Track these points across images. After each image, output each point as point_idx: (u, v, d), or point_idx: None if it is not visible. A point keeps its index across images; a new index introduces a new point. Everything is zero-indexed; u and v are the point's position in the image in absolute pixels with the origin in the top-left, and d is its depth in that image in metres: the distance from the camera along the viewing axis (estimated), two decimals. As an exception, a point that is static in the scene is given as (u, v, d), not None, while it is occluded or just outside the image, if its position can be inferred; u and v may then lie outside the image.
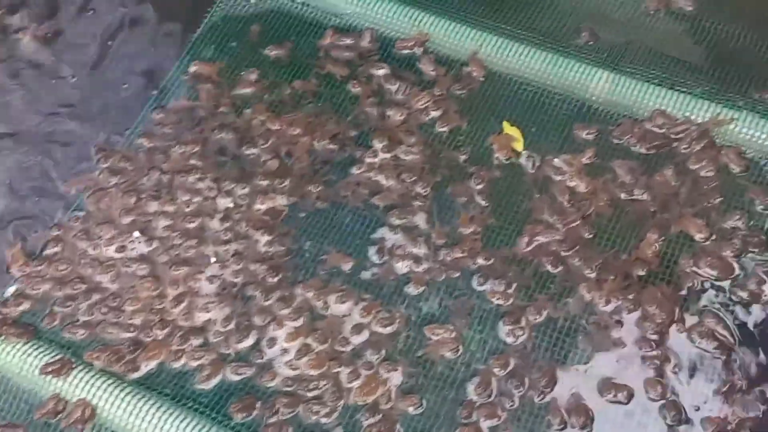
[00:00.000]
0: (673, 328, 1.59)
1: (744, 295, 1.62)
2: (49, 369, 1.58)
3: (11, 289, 1.69)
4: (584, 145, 1.80)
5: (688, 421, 1.51)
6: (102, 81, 1.99)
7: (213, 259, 1.69)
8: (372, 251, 1.71)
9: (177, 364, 1.60)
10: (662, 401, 1.53)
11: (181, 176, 1.79)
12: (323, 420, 1.53)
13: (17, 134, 1.92)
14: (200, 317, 1.64)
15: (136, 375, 1.59)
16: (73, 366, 1.59)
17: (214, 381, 1.58)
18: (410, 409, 1.53)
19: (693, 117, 1.80)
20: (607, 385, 1.55)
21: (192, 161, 1.81)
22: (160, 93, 1.93)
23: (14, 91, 1.98)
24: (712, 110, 1.79)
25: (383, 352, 1.59)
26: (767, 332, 1.59)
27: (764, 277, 1.63)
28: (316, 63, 1.94)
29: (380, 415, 1.53)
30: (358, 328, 1.61)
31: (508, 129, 1.83)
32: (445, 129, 1.84)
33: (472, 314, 1.63)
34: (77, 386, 1.57)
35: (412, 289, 1.66)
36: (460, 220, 1.73)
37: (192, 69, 1.94)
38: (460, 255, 1.69)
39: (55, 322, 1.65)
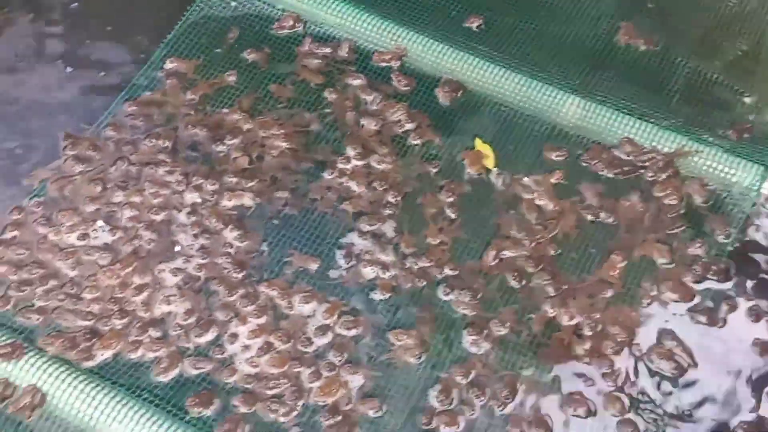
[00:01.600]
0: (633, 347, 1.61)
1: (702, 319, 1.65)
2: (0, 352, 1.53)
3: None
4: (553, 167, 1.82)
5: (644, 439, 1.53)
6: (76, 70, 1.97)
7: (178, 249, 1.66)
8: (339, 255, 1.70)
9: (134, 355, 1.56)
10: (620, 418, 1.54)
11: (149, 168, 1.77)
12: (282, 419, 1.50)
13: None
14: (161, 309, 1.61)
15: (90, 363, 1.55)
16: (25, 351, 1.54)
17: (172, 374, 1.54)
18: (370, 413, 1.52)
19: (659, 147, 1.84)
20: (567, 400, 1.55)
21: (161, 155, 1.79)
22: (133, 86, 1.90)
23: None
24: (678, 142, 1.84)
25: (346, 354, 1.57)
26: (723, 355, 1.62)
27: (722, 303, 1.67)
28: (292, 69, 1.95)
29: (340, 417, 1.50)
30: (321, 330, 1.60)
31: (480, 146, 1.85)
32: (418, 142, 1.85)
33: (436, 322, 1.62)
34: (28, 372, 1.52)
35: (378, 295, 1.65)
36: (428, 230, 1.73)
37: (168, 65, 1.93)
38: (428, 264, 1.69)
39: (8, 305, 1.60)
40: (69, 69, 1.97)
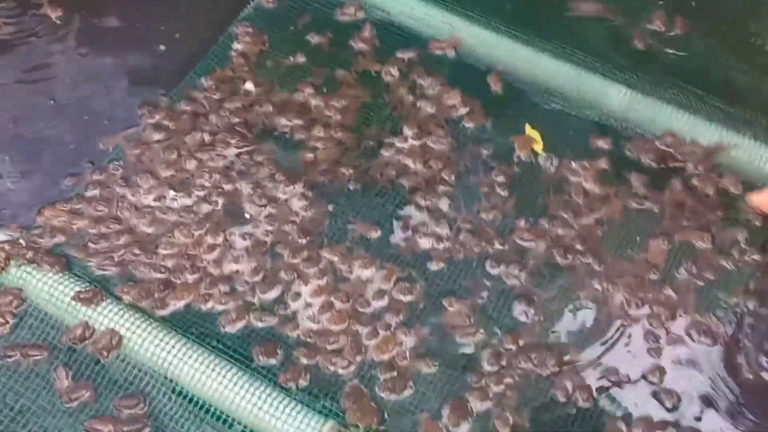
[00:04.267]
0: (675, 324, 1.70)
1: (737, 299, 1.74)
2: (81, 297, 1.63)
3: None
4: (599, 154, 1.92)
5: (682, 407, 1.61)
6: (157, 44, 2.10)
7: (248, 216, 1.77)
8: (397, 226, 1.80)
9: (204, 307, 1.67)
10: (660, 388, 1.62)
11: (222, 140, 1.87)
12: (341, 371, 1.60)
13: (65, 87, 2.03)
14: (230, 267, 1.71)
15: (163, 312, 1.65)
16: (104, 298, 1.65)
17: (239, 325, 1.65)
18: (424, 369, 1.61)
19: (699, 140, 1.93)
20: (611, 371, 1.64)
21: (234, 127, 1.90)
22: (206, 61, 2.02)
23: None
24: (717, 135, 1.93)
25: (401, 316, 1.67)
26: (756, 333, 1.70)
27: (756, 284, 1.76)
28: (353, 54, 2.06)
29: (395, 372, 1.60)
30: (379, 293, 1.69)
31: (530, 131, 1.95)
32: (471, 125, 1.96)
33: (488, 292, 1.72)
34: (106, 316, 1.63)
35: (432, 265, 1.75)
36: (481, 206, 1.83)
37: (239, 44, 2.04)
38: (480, 239, 1.78)
39: (88, 256, 1.71)
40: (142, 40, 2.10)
